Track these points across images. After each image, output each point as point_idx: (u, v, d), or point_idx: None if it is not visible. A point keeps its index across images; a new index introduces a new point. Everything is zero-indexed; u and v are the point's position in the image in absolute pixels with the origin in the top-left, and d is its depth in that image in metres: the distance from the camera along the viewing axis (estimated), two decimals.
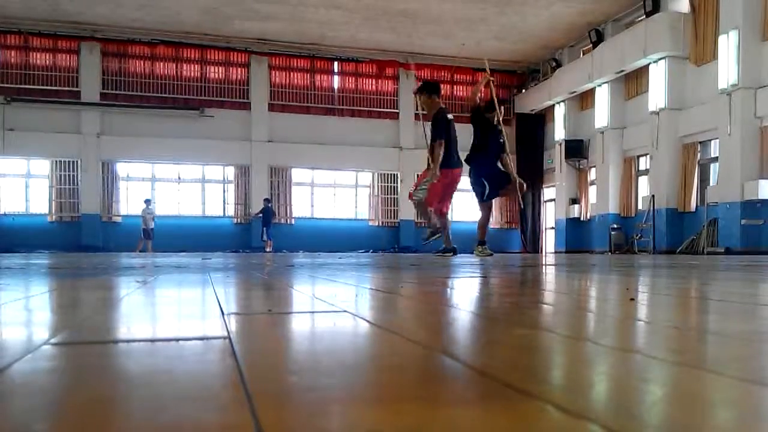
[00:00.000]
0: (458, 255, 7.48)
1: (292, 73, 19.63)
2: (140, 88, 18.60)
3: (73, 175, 18.17)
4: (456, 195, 8.15)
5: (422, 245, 8.66)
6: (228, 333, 0.93)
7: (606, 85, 16.62)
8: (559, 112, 18.80)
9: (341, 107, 19.91)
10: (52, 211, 18.19)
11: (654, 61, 14.69)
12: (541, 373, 0.67)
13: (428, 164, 7.35)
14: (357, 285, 2.28)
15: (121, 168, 18.80)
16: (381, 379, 0.65)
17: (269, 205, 18.35)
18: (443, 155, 7.07)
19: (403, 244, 19.41)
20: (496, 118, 7.72)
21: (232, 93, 19.22)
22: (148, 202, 17.87)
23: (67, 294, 1.89)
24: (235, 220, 19.29)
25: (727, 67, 12.58)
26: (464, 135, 7.54)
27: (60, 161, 18.07)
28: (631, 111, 16.22)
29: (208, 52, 18.98)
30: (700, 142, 14.11)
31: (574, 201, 18.58)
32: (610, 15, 16.45)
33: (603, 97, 16.81)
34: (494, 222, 17.54)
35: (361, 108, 20.00)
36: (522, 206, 7.87)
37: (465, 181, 7.78)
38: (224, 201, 19.45)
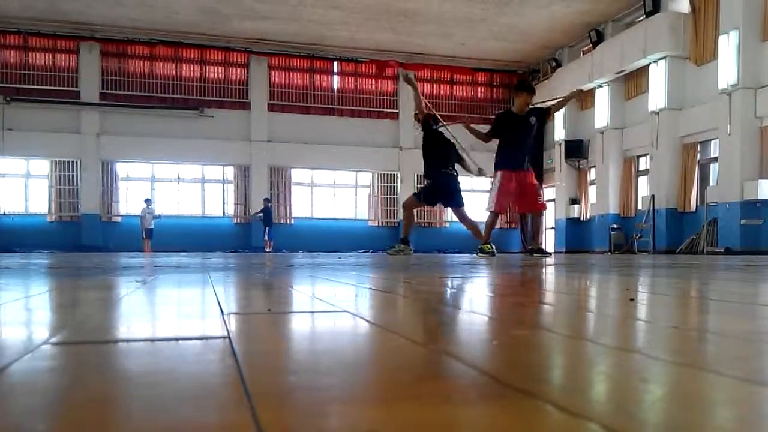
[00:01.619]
0: (458, 255, 7.47)
1: (291, 73, 19.62)
2: (140, 88, 18.59)
3: (73, 175, 18.17)
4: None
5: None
6: (228, 333, 0.93)
7: (606, 85, 16.62)
8: (559, 112, 18.75)
9: (341, 107, 19.90)
10: (51, 211, 18.19)
11: (654, 61, 14.69)
12: (541, 373, 0.67)
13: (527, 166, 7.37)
14: (357, 285, 2.28)
15: (121, 168, 18.80)
16: (381, 379, 0.65)
17: (269, 205, 18.34)
18: (501, 155, 7.23)
19: None
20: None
21: (232, 93, 19.22)
22: (148, 201, 17.88)
23: (66, 294, 1.88)
24: (235, 220, 19.29)
25: (727, 67, 12.58)
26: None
27: (59, 161, 18.06)
28: (631, 111, 16.22)
29: (208, 52, 18.98)
30: (700, 142, 14.10)
31: (574, 201, 18.58)
32: (610, 15, 16.45)
33: (603, 97, 16.80)
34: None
35: (361, 108, 19.98)
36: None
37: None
38: (224, 201, 19.46)
